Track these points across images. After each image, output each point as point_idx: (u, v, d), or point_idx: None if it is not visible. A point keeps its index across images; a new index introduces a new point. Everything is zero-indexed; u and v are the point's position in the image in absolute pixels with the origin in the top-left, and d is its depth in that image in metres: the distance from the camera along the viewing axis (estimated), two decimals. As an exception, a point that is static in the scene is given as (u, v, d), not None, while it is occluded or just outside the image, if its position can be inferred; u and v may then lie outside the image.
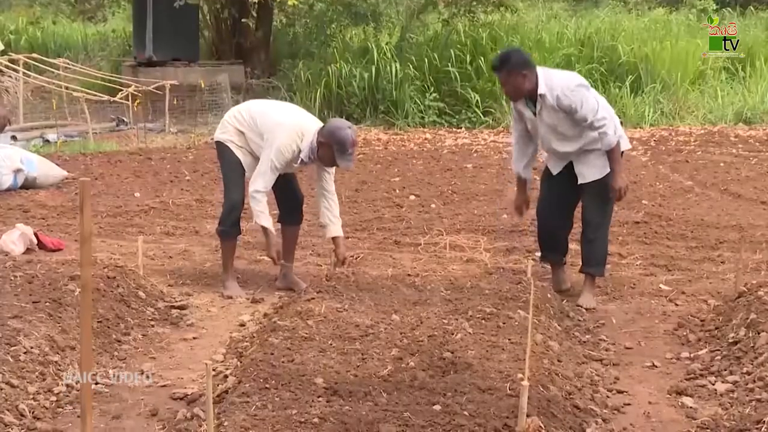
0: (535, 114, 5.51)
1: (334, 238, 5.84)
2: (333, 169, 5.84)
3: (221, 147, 5.87)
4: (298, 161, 5.62)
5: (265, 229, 5.72)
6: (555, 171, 5.72)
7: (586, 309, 5.53)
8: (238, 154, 5.78)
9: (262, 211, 5.64)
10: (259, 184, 5.61)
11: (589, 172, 5.53)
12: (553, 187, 5.76)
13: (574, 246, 6.13)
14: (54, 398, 3.99)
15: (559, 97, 5.33)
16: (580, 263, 5.83)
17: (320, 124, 5.71)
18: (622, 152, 5.57)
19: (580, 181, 5.57)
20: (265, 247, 5.85)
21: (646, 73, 15.35)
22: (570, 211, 5.83)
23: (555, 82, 5.39)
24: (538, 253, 6.16)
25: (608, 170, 5.48)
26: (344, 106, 14.86)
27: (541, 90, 5.35)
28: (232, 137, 5.80)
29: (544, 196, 5.84)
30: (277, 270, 6.06)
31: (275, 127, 5.62)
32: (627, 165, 10.96)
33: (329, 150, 5.48)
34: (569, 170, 5.63)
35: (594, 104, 5.35)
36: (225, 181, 5.95)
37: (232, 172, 5.83)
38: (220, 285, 5.91)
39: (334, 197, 5.85)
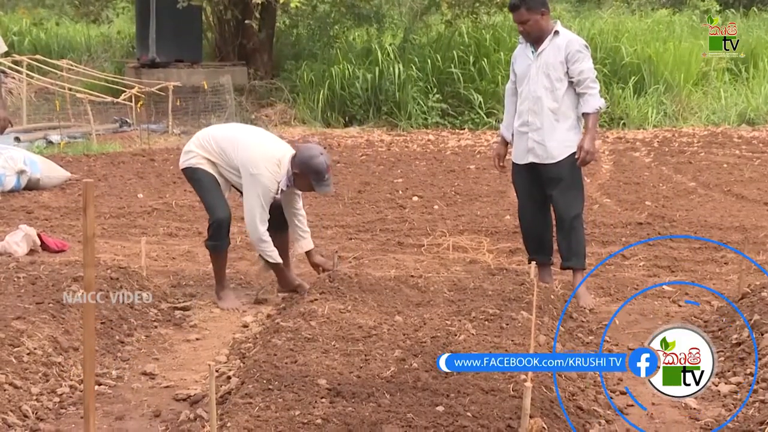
0: (533, 53, 5.61)
1: (307, 253, 5.79)
2: None
3: (192, 171, 5.61)
4: (278, 191, 5.48)
5: (278, 266, 5.61)
6: (520, 160, 5.74)
7: (590, 310, 5.53)
8: (212, 172, 5.59)
9: (272, 250, 5.54)
10: (260, 226, 5.44)
11: (558, 149, 5.59)
12: (528, 193, 5.83)
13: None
14: (57, 399, 4.00)
15: (571, 41, 5.58)
16: (561, 260, 5.87)
17: (291, 149, 5.54)
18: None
19: (548, 162, 5.62)
20: (282, 285, 5.73)
21: (650, 74, 15.35)
22: (548, 209, 5.89)
23: (568, 32, 5.71)
24: None
25: (575, 149, 5.57)
26: (347, 107, 14.88)
27: (557, 28, 5.61)
28: (201, 161, 5.58)
29: (523, 203, 5.92)
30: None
31: (252, 161, 5.40)
32: (630, 166, 11.07)
33: (305, 179, 5.40)
34: (537, 171, 5.68)
35: (593, 68, 5.62)
36: (207, 201, 5.61)
37: (212, 190, 5.58)
38: (216, 297, 5.71)
39: (303, 212, 5.79)
